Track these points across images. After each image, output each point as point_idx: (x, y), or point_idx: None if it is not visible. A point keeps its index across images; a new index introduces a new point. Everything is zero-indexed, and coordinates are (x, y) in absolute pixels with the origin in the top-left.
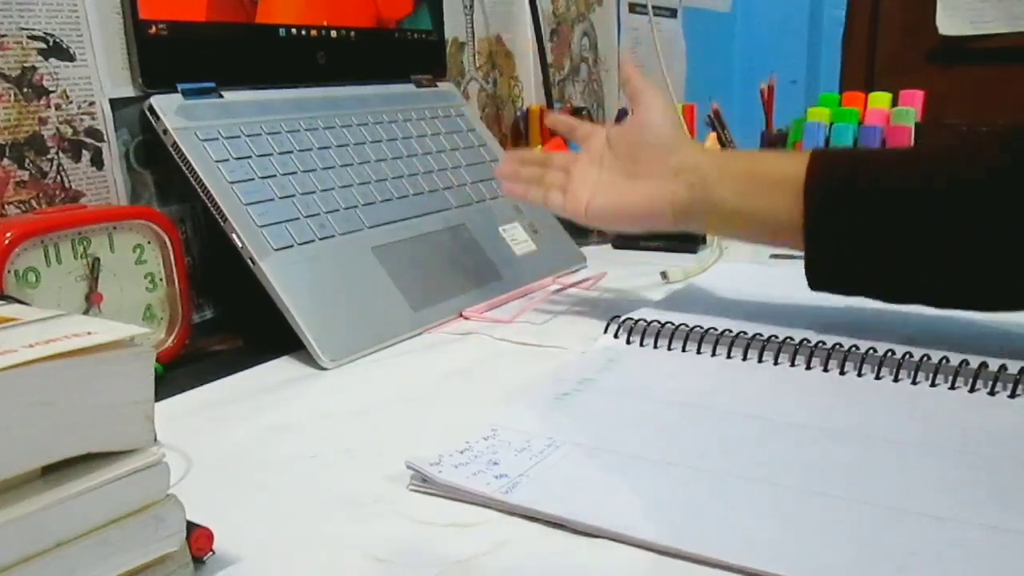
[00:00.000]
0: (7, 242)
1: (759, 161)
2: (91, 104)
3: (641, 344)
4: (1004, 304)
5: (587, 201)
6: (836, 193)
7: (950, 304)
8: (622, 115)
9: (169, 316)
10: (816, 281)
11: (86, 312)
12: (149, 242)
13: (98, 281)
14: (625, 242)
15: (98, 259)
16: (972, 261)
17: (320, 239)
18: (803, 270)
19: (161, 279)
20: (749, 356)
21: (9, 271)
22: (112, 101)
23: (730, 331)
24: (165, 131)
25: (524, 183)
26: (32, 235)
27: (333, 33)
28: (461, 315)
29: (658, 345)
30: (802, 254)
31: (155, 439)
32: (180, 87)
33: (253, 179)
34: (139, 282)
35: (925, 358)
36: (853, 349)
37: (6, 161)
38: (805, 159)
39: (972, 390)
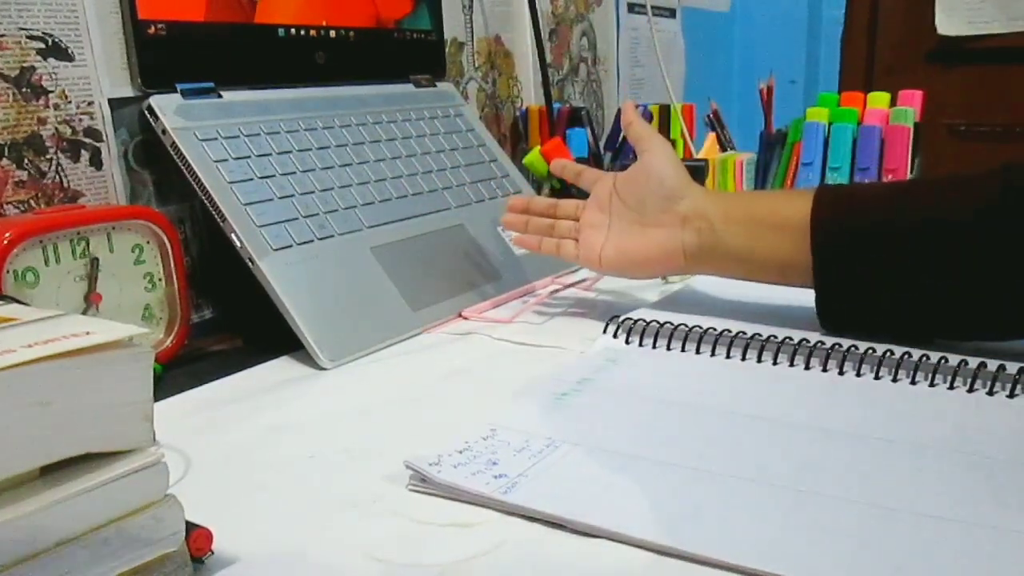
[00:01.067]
0: (6, 242)
1: (764, 204)
2: (90, 104)
3: (640, 344)
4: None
5: (600, 251)
6: (841, 234)
7: (963, 337)
8: (623, 148)
9: (168, 316)
10: (829, 322)
11: (85, 312)
12: (148, 242)
13: (97, 281)
14: None
15: (97, 259)
16: (980, 294)
17: (319, 239)
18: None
19: (160, 279)
20: (748, 356)
21: (8, 271)
22: (111, 101)
23: (729, 331)
24: (164, 131)
25: (535, 235)
26: (31, 235)
27: (332, 33)
28: (460, 315)
29: (657, 345)
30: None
31: (154, 439)
32: (179, 87)
33: (252, 179)
34: (138, 282)
35: (924, 358)
36: (852, 349)
37: (5, 161)
38: (809, 199)
39: (971, 390)
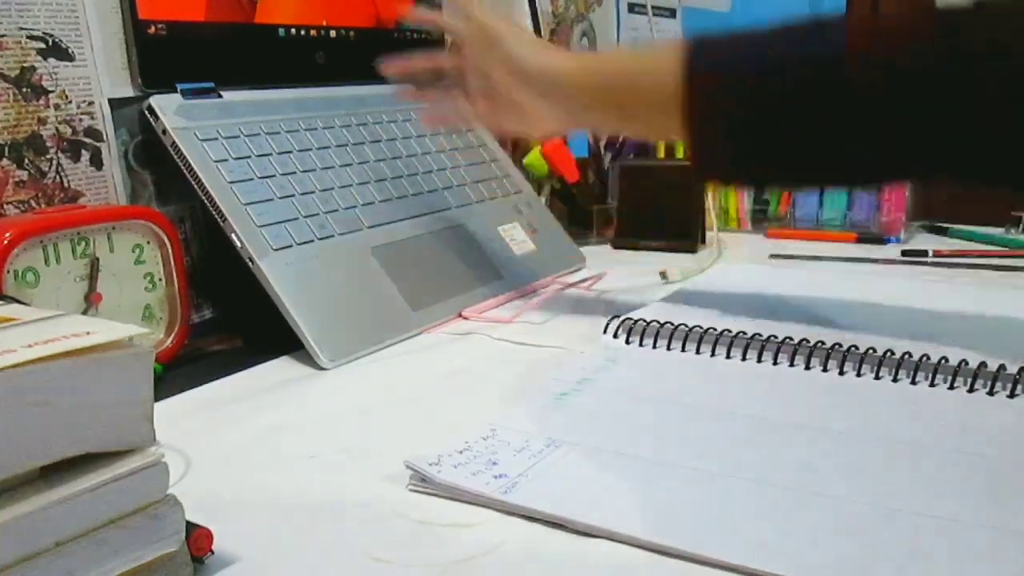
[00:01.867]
0: (6, 242)
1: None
2: (90, 104)
3: (640, 344)
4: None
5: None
6: (714, 75)
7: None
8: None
9: (168, 316)
10: (706, 170)
11: (85, 312)
12: (148, 242)
13: (97, 281)
14: (625, 242)
15: (97, 259)
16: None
17: (319, 239)
18: (801, 268)
19: (160, 279)
20: (748, 356)
21: (8, 271)
22: (111, 101)
23: (729, 331)
24: (164, 131)
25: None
26: (31, 235)
27: (332, 33)
28: (460, 315)
29: (657, 345)
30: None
31: (154, 439)
32: (179, 87)
33: (252, 179)
34: (138, 282)
35: (924, 358)
36: (853, 349)
37: (5, 161)
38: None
39: (971, 390)
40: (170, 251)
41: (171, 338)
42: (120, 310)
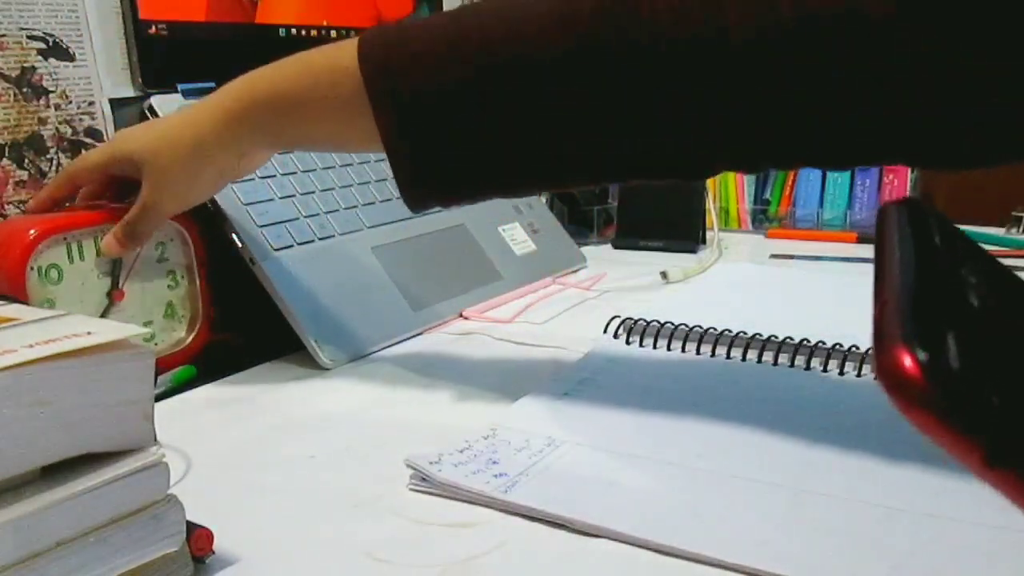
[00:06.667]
0: (30, 239)
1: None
2: (91, 104)
3: (641, 344)
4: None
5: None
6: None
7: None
8: None
9: (191, 314)
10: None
11: (107, 309)
12: (171, 239)
13: (119, 278)
14: (625, 242)
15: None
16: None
17: (320, 239)
18: (793, 268)
19: (183, 276)
20: (749, 356)
21: (32, 267)
22: (112, 101)
23: (730, 331)
24: None
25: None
26: (55, 232)
27: (333, 33)
28: (461, 315)
29: (658, 345)
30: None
31: (155, 439)
32: (180, 87)
33: (253, 179)
34: (161, 279)
35: None
36: (853, 349)
37: (5, 161)
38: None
39: None
40: (192, 249)
41: (193, 335)
42: (143, 307)
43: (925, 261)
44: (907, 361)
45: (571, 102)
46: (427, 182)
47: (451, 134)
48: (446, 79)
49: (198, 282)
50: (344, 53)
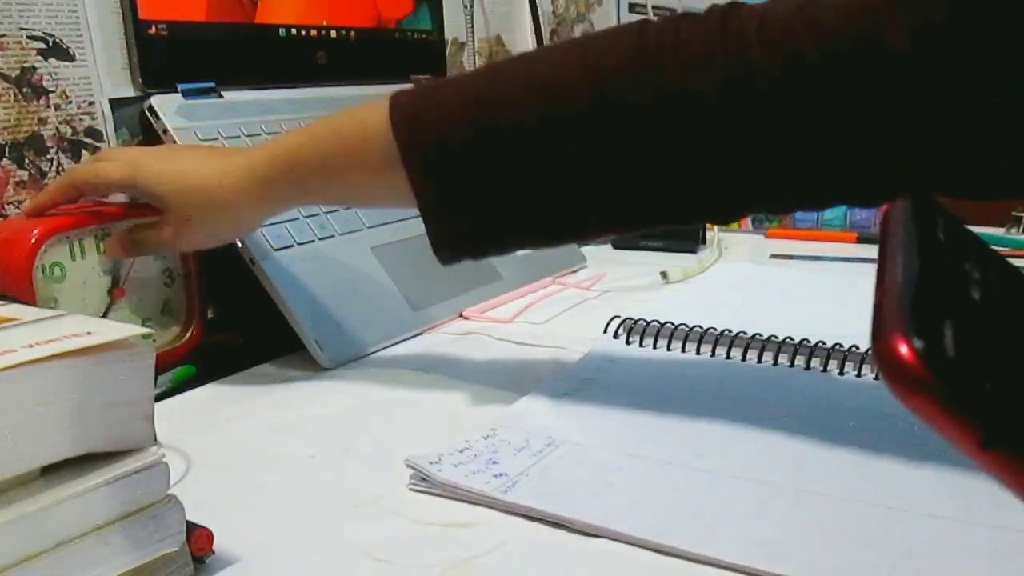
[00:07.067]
0: (35, 239)
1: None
2: (91, 104)
3: (641, 344)
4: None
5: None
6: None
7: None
8: None
9: (186, 312)
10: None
11: (108, 307)
12: None
13: (120, 277)
14: (625, 242)
15: None
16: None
17: (320, 239)
18: (793, 268)
19: (179, 275)
20: (749, 356)
21: (37, 265)
22: (112, 101)
23: (730, 331)
24: (165, 131)
25: None
26: (58, 231)
27: (333, 33)
28: (461, 315)
29: (658, 345)
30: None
31: (155, 439)
32: (180, 87)
33: None
34: (158, 278)
35: None
36: (853, 349)
37: (5, 161)
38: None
39: None
40: None
41: (188, 334)
42: (141, 305)
43: (928, 254)
44: (904, 348)
45: (602, 158)
46: (461, 238)
47: (483, 193)
48: (474, 138)
49: (193, 281)
50: (375, 115)
